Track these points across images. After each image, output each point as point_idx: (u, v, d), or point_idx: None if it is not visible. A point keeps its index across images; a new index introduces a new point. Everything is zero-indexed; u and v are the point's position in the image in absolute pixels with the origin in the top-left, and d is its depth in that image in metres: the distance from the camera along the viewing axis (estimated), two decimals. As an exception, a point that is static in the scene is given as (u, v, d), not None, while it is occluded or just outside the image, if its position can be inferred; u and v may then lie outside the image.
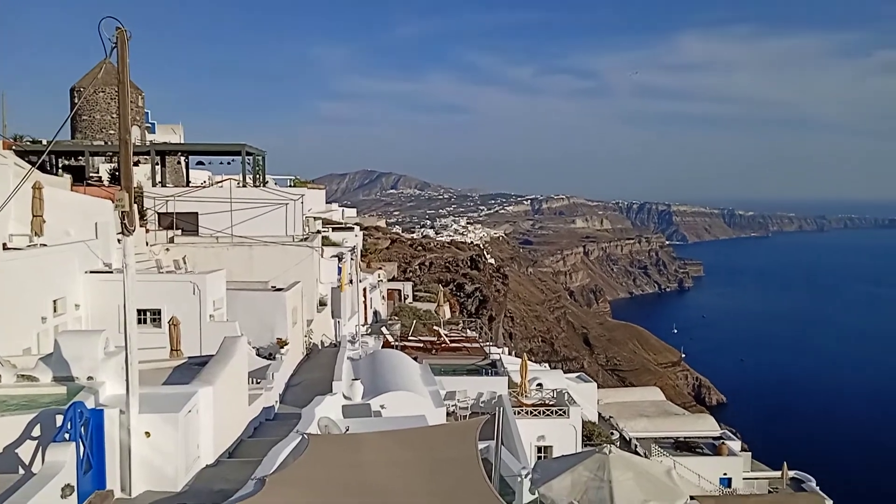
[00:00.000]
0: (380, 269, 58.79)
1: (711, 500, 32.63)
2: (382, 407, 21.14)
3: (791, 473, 43.75)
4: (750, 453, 45.11)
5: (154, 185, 37.19)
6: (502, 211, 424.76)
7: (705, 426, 47.49)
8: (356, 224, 63.62)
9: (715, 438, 44.47)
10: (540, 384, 34.95)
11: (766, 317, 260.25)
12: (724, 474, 40.24)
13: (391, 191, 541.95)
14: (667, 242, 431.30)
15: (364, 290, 45.94)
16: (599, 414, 45.39)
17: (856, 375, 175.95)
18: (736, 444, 43.55)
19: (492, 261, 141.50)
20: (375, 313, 49.54)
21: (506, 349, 58.18)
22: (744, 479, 41.29)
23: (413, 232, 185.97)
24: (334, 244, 42.50)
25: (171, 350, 20.89)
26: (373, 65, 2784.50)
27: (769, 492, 41.52)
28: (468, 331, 47.31)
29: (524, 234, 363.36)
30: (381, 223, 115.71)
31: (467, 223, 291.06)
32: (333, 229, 49.98)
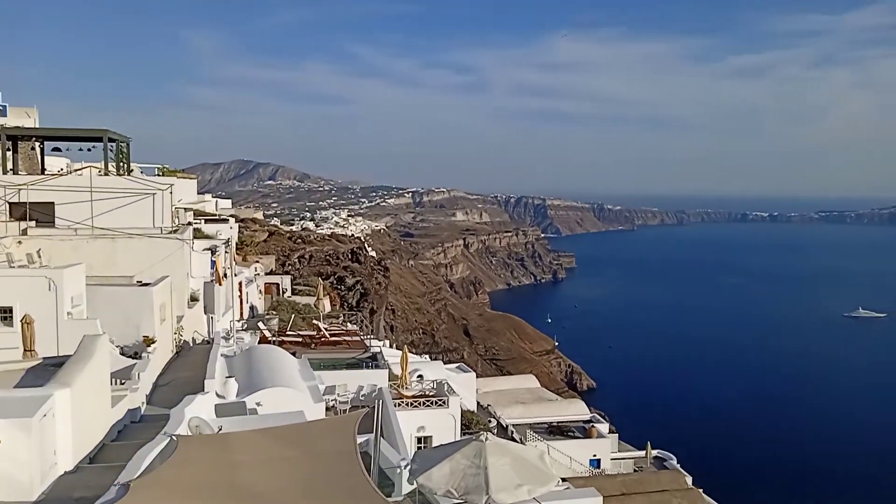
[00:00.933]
0: (257, 262, 57.09)
1: (581, 480, 34.17)
2: (258, 404, 20.57)
3: (654, 453, 46.67)
4: (617, 435, 47.70)
5: (5, 172, 34.14)
6: (384, 203, 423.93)
7: (577, 410, 49.73)
8: (231, 216, 61.30)
9: (585, 422, 46.65)
10: (420, 376, 35.16)
11: (632, 306, 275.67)
12: (594, 456, 42.34)
13: (269, 182, 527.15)
14: (542, 235, 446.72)
15: (240, 284, 44.45)
16: (478, 402, 46.36)
17: (712, 358, 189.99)
18: (604, 427, 45.87)
19: (373, 253, 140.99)
20: (252, 308, 48.06)
21: (387, 342, 58.12)
22: (612, 459, 43.63)
23: (292, 224, 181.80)
24: (207, 237, 40.78)
25: (25, 350, 19.33)
26: (248, 51, 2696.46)
27: (634, 470, 44.11)
28: (348, 324, 46.84)
29: (405, 227, 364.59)
30: (259, 215, 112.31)
31: (348, 216, 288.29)
32: (206, 221, 47.88)
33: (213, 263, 36.63)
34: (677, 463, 45.28)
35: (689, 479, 42.00)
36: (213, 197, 78.16)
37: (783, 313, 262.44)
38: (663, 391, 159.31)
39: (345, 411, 26.80)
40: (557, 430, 44.82)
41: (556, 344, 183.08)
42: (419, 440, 29.75)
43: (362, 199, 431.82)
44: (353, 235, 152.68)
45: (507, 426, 43.48)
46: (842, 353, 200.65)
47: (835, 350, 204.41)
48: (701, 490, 41.32)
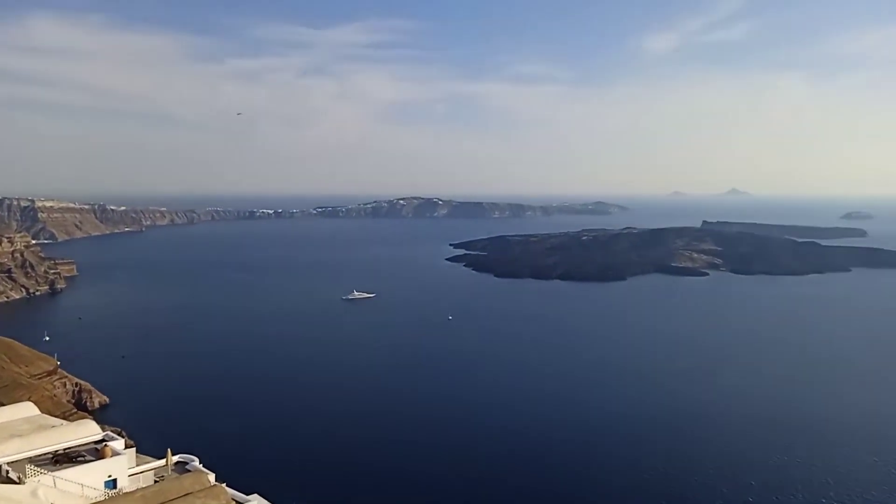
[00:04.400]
0: None
1: (96, 506, 31.87)
2: None
3: (175, 458, 46.03)
4: (134, 448, 45.59)
5: None
6: None
7: (87, 432, 45.74)
8: None
9: (97, 442, 43.36)
10: None
11: (145, 310, 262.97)
12: (109, 476, 39.71)
13: None
14: (33, 242, 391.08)
15: None
16: (-42, 448, 38.96)
17: (229, 354, 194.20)
18: (119, 444, 43.38)
19: None
20: None
21: None
22: (129, 476, 41.51)
23: None
24: None
25: None
26: None
27: (156, 481, 42.78)
28: None
29: None
30: None
31: None
32: None
33: None
34: (200, 463, 45.57)
35: (212, 477, 42.66)
36: None
37: (291, 302, 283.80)
38: (184, 394, 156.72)
39: None
40: (65, 458, 40.66)
41: (59, 363, 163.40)
42: None
43: None
44: None
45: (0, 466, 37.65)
46: (343, 331, 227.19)
47: (336, 329, 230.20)
48: (224, 484, 42.42)
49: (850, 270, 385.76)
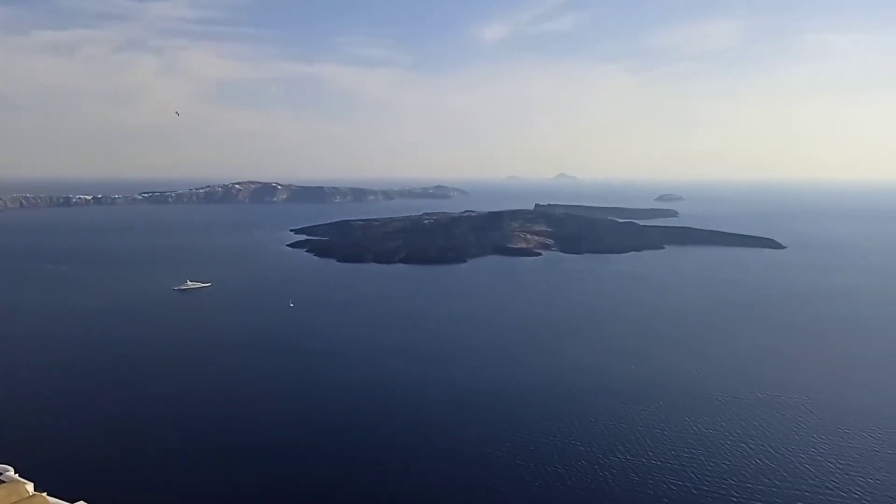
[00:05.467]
0: None
1: None
2: None
3: (-11, 469, 41.41)
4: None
5: None
6: None
7: None
8: None
9: None
10: None
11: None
12: None
13: None
14: None
15: None
16: None
17: (53, 352, 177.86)
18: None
19: None
20: None
21: None
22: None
23: None
24: None
25: None
26: None
27: (-38, 496, 38.26)
28: None
29: None
30: None
31: None
32: None
33: None
34: (15, 473, 41.40)
35: (30, 487, 39.00)
36: None
37: (116, 295, 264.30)
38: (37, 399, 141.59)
39: None
40: None
41: None
42: None
43: None
44: None
45: None
46: (175, 323, 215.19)
47: (168, 321, 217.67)
48: (45, 493, 38.88)
49: (663, 248, 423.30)
